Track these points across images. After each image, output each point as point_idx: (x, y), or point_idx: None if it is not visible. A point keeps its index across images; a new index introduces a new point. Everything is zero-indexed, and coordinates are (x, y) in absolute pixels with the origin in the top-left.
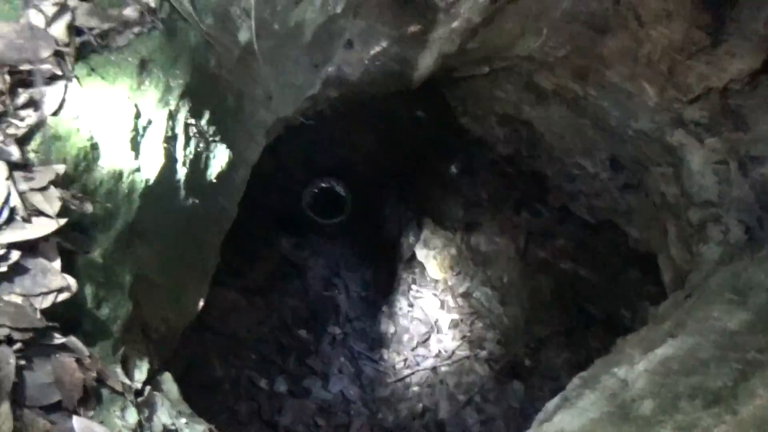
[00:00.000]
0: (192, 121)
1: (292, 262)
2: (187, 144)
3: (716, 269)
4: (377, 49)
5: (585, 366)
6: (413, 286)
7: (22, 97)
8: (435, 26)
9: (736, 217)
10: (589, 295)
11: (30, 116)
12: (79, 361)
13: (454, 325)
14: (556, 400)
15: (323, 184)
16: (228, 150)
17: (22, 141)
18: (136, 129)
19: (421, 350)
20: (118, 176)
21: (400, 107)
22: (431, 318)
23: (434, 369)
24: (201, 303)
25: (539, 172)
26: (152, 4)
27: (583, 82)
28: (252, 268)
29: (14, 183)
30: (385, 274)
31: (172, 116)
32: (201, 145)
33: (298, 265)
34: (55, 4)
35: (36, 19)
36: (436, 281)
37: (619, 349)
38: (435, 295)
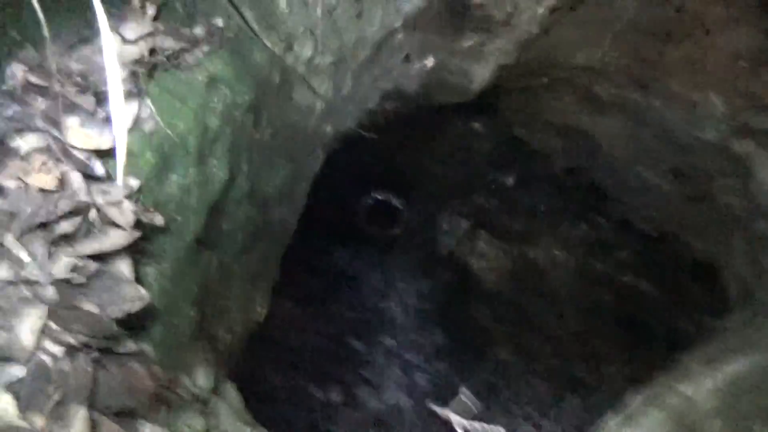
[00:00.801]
0: (257, 135)
1: (347, 273)
2: (251, 158)
3: None
4: (434, 61)
5: (645, 382)
6: (468, 299)
7: (101, 114)
8: (492, 38)
9: None
10: (650, 309)
11: (108, 133)
12: (149, 368)
13: (509, 337)
14: (618, 418)
15: (379, 196)
16: (290, 164)
17: (102, 156)
18: (203, 144)
19: (475, 362)
20: (187, 190)
21: (456, 119)
22: (486, 330)
23: (489, 382)
24: (264, 313)
25: (598, 183)
26: (220, 24)
27: (644, 92)
28: (308, 279)
29: (92, 196)
30: (440, 286)
31: (237, 131)
32: (264, 159)
33: (353, 277)
34: (132, 26)
35: (114, 40)
36: (491, 293)
37: (682, 366)
38: (490, 307)
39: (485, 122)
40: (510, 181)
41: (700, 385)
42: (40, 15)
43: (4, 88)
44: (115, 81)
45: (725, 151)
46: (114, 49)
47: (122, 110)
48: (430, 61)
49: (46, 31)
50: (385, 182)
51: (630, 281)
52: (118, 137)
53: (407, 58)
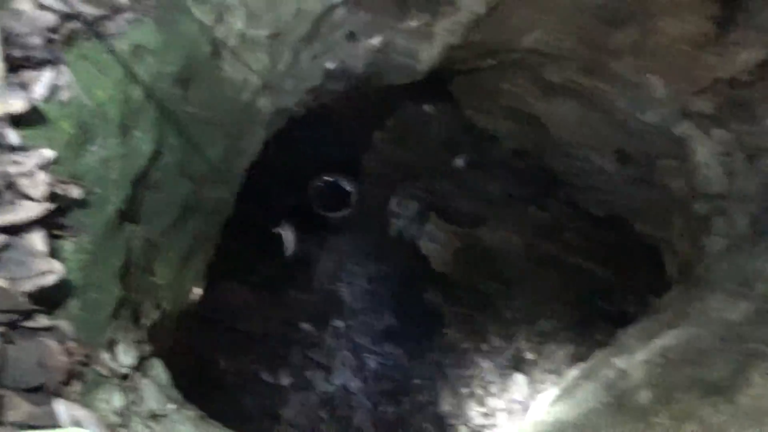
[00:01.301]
0: (186, 108)
1: (298, 255)
2: (179, 131)
3: (720, 261)
4: (381, 41)
5: (588, 359)
6: (417, 280)
7: (14, 82)
8: (439, 18)
9: (742, 209)
10: (596, 289)
11: (21, 100)
12: (64, 344)
13: (458, 318)
14: (555, 391)
15: (328, 178)
16: (224, 139)
17: (16, 124)
18: (126, 115)
19: (424, 344)
20: (108, 162)
21: (408, 101)
22: (434, 312)
23: (437, 362)
24: (198, 292)
25: (547, 166)
26: None
27: (591, 75)
28: (258, 263)
29: (3, 166)
30: (390, 268)
31: (164, 103)
32: (194, 132)
33: (303, 260)
34: None
35: (27, 5)
36: (441, 275)
37: (620, 341)
38: (439, 289)
39: (437, 105)
40: (461, 163)
41: (633, 358)
42: None
43: None
44: (25, 48)
45: (666, 133)
46: (27, 14)
47: (34, 78)
48: (376, 41)
49: None
50: (336, 164)
51: (577, 262)
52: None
53: (353, 37)
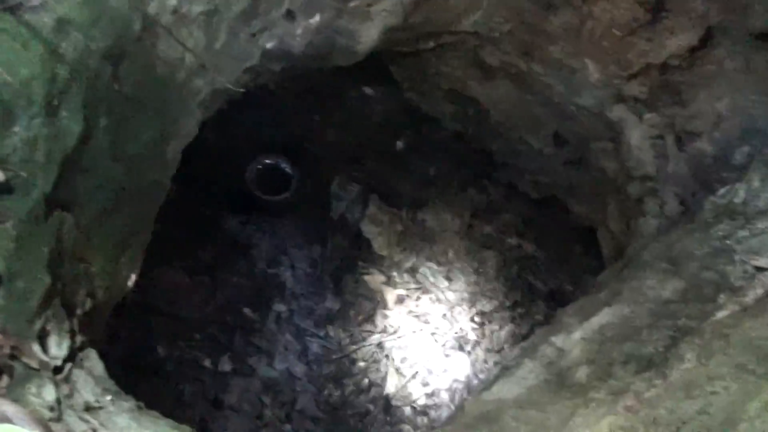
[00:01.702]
0: (116, 86)
1: (238, 240)
2: (110, 111)
3: (652, 241)
4: (320, 20)
5: (528, 338)
6: (359, 263)
7: None
8: None
9: (673, 190)
10: (534, 270)
11: None
12: None
13: (400, 300)
14: (496, 370)
15: (268, 161)
16: (158, 119)
17: None
18: (52, 94)
19: (367, 326)
20: (33, 143)
21: (348, 83)
22: (377, 294)
23: (380, 344)
24: (133, 279)
25: (487, 149)
26: None
27: (528, 58)
28: (197, 248)
29: None
30: (331, 251)
31: (91, 81)
32: (127, 113)
33: (243, 244)
34: None
35: None
36: (383, 257)
37: (558, 320)
38: (381, 271)
39: (377, 87)
40: (401, 145)
41: (571, 336)
42: None
43: None
44: None
45: (601, 116)
46: None
47: None
48: (315, 21)
49: None
50: (276, 146)
51: (515, 243)
52: None
53: (291, 16)
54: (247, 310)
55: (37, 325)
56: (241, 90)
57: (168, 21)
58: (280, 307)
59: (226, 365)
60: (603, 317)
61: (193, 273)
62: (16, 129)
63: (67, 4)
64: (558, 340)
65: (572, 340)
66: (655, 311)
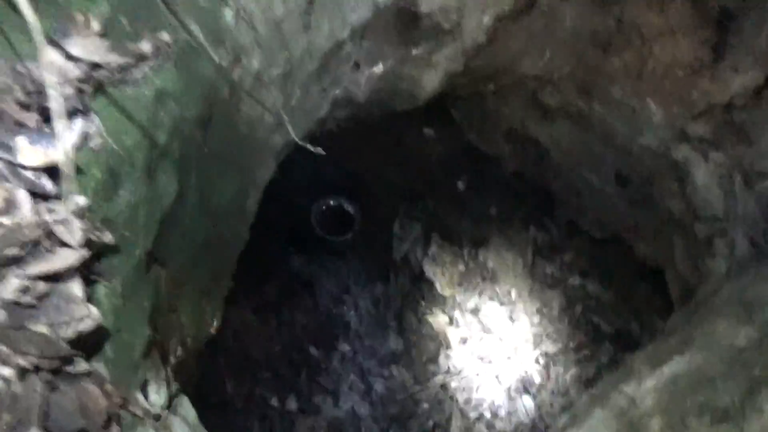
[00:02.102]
0: (204, 147)
1: (302, 279)
2: (199, 170)
3: (723, 284)
4: (383, 69)
5: (594, 381)
6: (422, 302)
7: (47, 132)
8: (441, 46)
9: (742, 231)
10: (599, 310)
11: (55, 150)
12: (102, 387)
13: (463, 341)
14: (565, 418)
15: (332, 202)
16: (240, 175)
17: (51, 174)
18: (152, 159)
19: (430, 366)
20: (136, 206)
21: (408, 124)
22: (440, 334)
23: (444, 385)
24: (215, 325)
25: (547, 187)
26: (167, 38)
27: (588, 98)
28: (262, 286)
29: (40, 216)
30: (394, 291)
31: (185, 145)
32: (213, 171)
33: (307, 282)
34: (76, 42)
35: (57, 56)
36: (445, 297)
37: (627, 366)
38: (444, 311)
39: (438, 128)
40: (461, 185)
41: (642, 384)
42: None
43: None
44: (56, 99)
45: (664, 156)
46: (57, 65)
47: (66, 127)
48: (379, 69)
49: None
50: (339, 187)
51: (578, 283)
52: (63, 155)
53: (356, 66)
54: (312, 349)
55: (140, 375)
56: (314, 149)
57: (250, 84)
58: (344, 347)
59: (292, 404)
60: (675, 365)
61: (260, 311)
62: (121, 193)
63: (164, 76)
64: (629, 388)
65: (644, 389)
66: (729, 360)
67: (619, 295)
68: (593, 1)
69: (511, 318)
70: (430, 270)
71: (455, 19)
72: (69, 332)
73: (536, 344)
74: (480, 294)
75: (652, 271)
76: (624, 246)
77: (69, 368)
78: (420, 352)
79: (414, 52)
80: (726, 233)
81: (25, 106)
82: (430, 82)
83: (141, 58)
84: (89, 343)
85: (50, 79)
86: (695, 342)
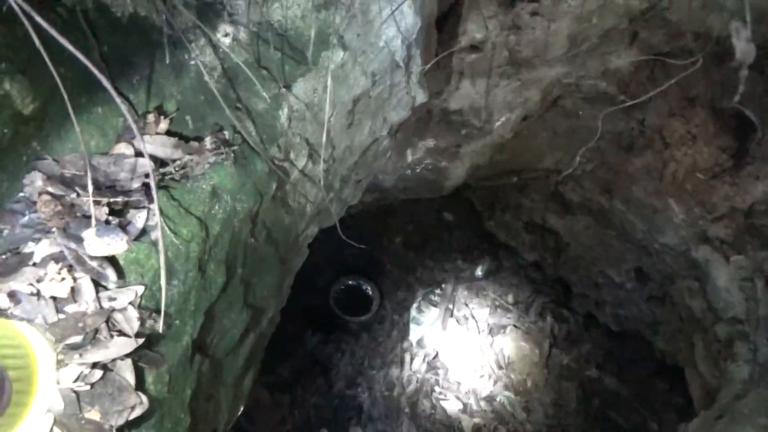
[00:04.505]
0: (251, 241)
1: (317, 358)
2: (245, 262)
3: (747, 390)
4: (412, 159)
5: None
6: (436, 388)
7: (113, 223)
8: (468, 141)
9: (765, 335)
10: (615, 405)
11: (119, 242)
12: None
13: (477, 429)
14: None
15: (350, 282)
16: (281, 265)
17: (113, 263)
18: (204, 250)
19: None
20: (188, 295)
21: (429, 210)
22: (454, 421)
23: None
24: (241, 409)
25: (565, 278)
26: (226, 136)
27: (609, 196)
28: (277, 364)
29: (100, 303)
30: (408, 375)
31: (235, 237)
32: (257, 262)
33: (322, 363)
34: (146, 139)
35: (127, 151)
36: (460, 383)
37: None
38: (458, 397)
39: (457, 214)
40: (479, 271)
41: None
42: (77, 128)
43: (21, 195)
44: (155, 205)
45: (684, 255)
46: (129, 161)
47: (133, 220)
48: (408, 159)
49: (81, 143)
50: (358, 268)
51: (595, 376)
52: (162, 265)
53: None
54: (324, 431)
55: None
56: (359, 245)
57: (296, 179)
58: (356, 430)
59: None
60: None
61: (274, 390)
62: (175, 282)
63: (222, 172)
64: None
65: None
66: None
67: (637, 391)
68: (617, 105)
69: (526, 408)
70: (445, 354)
71: (483, 117)
72: (120, 421)
73: None
74: (495, 382)
75: (671, 369)
76: (642, 341)
77: None
78: None
79: (442, 145)
80: (748, 336)
81: (96, 201)
82: (456, 173)
83: (201, 154)
84: (135, 430)
85: (121, 174)
86: None
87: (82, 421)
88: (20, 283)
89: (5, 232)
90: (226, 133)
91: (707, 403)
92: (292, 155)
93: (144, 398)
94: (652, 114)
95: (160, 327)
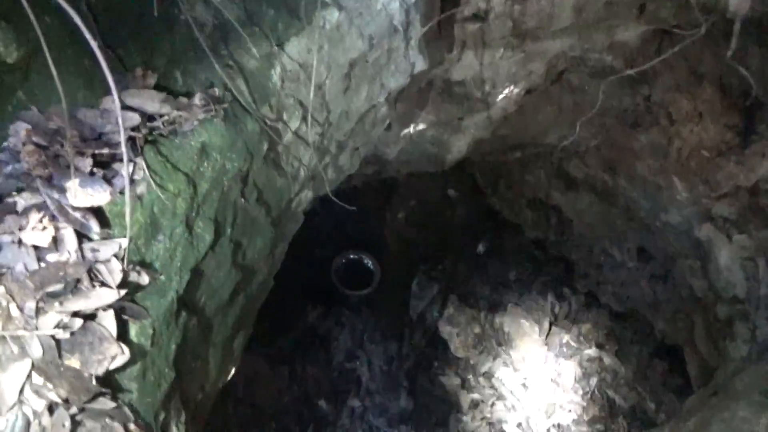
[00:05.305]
0: (242, 201)
1: (317, 332)
2: (234, 222)
3: (743, 368)
4: (413, 131)
5: None
6: (435, 363)
7: (98, 176)
8: (470, 113)
9: (765, 315)
10: (614, 384)
11: (103, 193)
12: (125, 426)
13: (474, 405)
14: None
15: (352, 256)
16: (273, 228)
17: (96, 214)
18: (192, 207)
19: (439, 429)
20: (173, 251)
21: (432, 185)
22: (451, 396)
23: None
24: (232, 371)
25: (567, 257)
26: (217, 93)
27: (613, 173)
28: (278, 337)
29: (83, 254)
30: (408, 349)
31: (224, 196)
32: (248, 223)
33: (322, 336)
34: (133, 94)
35: (113, 105)
36: (459, 359)
37: None
38: (457, 373)
39: (461, 191)
40: (481, 248)
41: None
42: (57, 80)
43: (6, 145)
44: (124, 148)
45: (687, 234)
46: (114, 114)
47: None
48: (409, 131)
49: (62, 95)
50: (360, 242)
51: (595, 355)
52: (128, 202)
53: (388, 127)
54: (322, 403)
55: (162, 417)
56: (338, 200)
57: (289, 141)
58: (354, 402)
59: None
60: None
61: (273, 362)
62: (160, 238)
63: (211, 129)
64: None
65: None
66: None
67: (636, 371)
68: (623, 81)
69: (524, 385)
70: (445, 330)
71: (486, 89)
72: (99, 370)
73: (549, 414)
74: (494, 358)
75: (671, 349)
76: (643, 321)
77: (96, 405)
78: (430, 413)
79: (444, 117)
80: (748, 316)
81: (80, 152)
82: (458, 146)
83: (191, 110)
84: (115, 381)
85: (107, 127)
86: (712, 426)
87: (62, 368)
88: (2, 232)
89: None
90: (216, 90)
91: (705, 382)
92: (285, 116)
93: (126, 349)
94: (659, 90)
95: (144, 280)
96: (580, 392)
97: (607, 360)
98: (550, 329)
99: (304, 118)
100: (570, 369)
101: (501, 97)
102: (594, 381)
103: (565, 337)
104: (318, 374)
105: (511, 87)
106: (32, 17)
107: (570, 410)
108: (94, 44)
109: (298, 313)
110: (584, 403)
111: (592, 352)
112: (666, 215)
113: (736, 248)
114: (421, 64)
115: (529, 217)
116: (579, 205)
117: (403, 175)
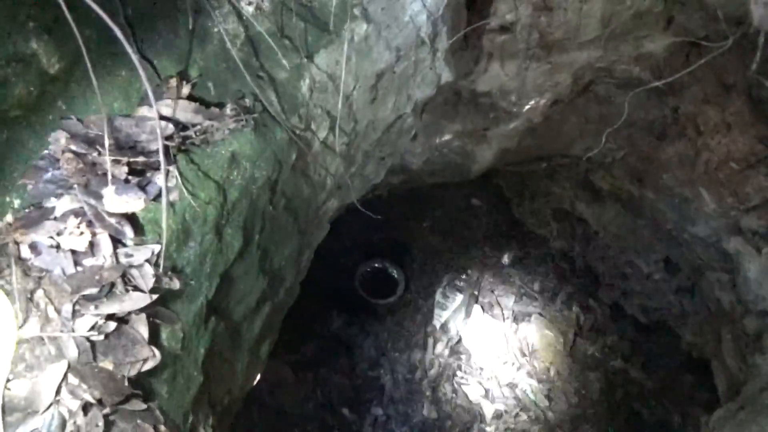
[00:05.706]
0: (270, 208)
1: (341, 339)
2: (263, 229)
3: None
4: (439, 141)
5: None
6: (459, 372)
7: (133, 183)
8: (496, 124)
9: None
10: (640, 397)
11: (138, 200)
12: (156, 427)
13: (498, 416)
14: None
15: (377, 264)
16: (300, 236)
17: (131, 221)
18: (222, 214)
19: None
20: (204, 257)
21: (458, 196)
22: (475, 406)
23: None
24: (258, 377)
25: (592, 267)
26: (247, 104)
27: (639, 184)
28: (302, 344)
29: (117, 259)
30: (431, 358)
31: (253, 204)
32: (275, 230)
33: (346, 344)
34: (168, 104)
35: (150, 114)
36: (482, 369)
37: None
38: (480, 383)
39: (486, 200)
40: (506, 258)
41: None
42: (97, 90)
43: (46, 152)
44: (162, 158)
45: (715, 246)
46: (150, 123)
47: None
48: (435, 141)
49: (101, 105)
50: (384, 251)
51: (620, 367)
52: (164, 210)
53: (414, 137)
54: (345, 411)
55: (190, 420)
56: (363, 209)
57: (317, 150)
58: (377, 411)
59: None
60: None
61: (298, 368)
62: (192, 244)
63: (242, 139)
64: None
65: None
66: None
67: (662, 384)
68: (650, 92)
69: (548, 396)
70: (469, 340)
71: (512, 100)
72: (132, 372)
73: (573, 426)
74: (518, 369)
75: (698, 362)
76: (669, 333)
77: (128, 406)
78: (453, 423)
79: (470, 128)
80: None
81: (116, 160)
82: (484, 157)
83: (222, 120)
84: (147, 383)
85: (143, 136)
86: None
87: (96, 369)
88: (41, 236)
89: (29, 187)
90: (247, 100)
91: (732, 397)
92: (313, 126)
93: (157, 352)
94: (687, 101)
95: (175, 285)
96: (605, 404)
97: (633, 372)
98: (575, 341)
99: (332, 128)
100: (595, 381)
101: (527, 108)
102: (620, 393)
103: (590, 349)
104: (342, 382)
105: (537, 98)
106: (75, 30)
107: (594, 423)
108: (134, 57)
109: (323, 321)
110: (609, 416)
111: (617, 364)
112: (694, 227)
113: (765, 261)
114: (447, 75)
115: (554, 228)
116: (605, 216)
117: (428, 185)
